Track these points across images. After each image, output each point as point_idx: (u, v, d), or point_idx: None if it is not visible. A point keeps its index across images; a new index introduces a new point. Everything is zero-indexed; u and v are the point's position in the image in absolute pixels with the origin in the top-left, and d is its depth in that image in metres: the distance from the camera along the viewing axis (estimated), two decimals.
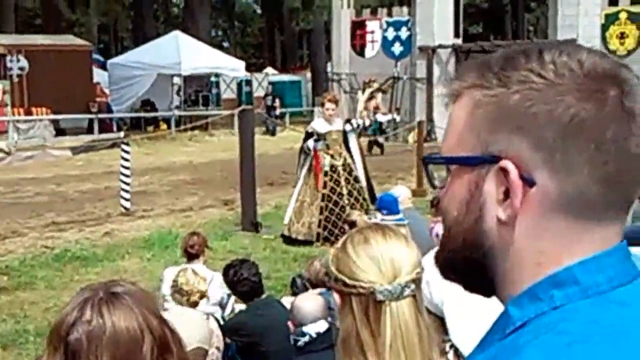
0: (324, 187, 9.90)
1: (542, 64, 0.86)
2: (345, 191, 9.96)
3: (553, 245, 0.87)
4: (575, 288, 0.84)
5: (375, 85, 20.42)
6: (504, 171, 0.86)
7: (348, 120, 10.53)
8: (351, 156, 10.18)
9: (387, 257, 1.74)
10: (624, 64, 0.88)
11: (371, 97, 17.86)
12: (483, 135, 0.87)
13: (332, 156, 9.96)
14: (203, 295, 4.84)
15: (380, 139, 20.07)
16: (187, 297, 4.71)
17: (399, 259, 1.75)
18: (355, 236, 1.81)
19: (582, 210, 0.85)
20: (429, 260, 2.29)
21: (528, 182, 0.85)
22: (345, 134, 10.12)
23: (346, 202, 9.91)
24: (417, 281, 1.75)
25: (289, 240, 9.97)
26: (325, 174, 9.90)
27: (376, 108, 17.59)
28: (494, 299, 0.94)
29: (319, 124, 10.06)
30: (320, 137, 9.88)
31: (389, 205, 6.17)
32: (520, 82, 0.86)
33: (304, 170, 10.16)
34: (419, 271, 1.76)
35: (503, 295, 0.91)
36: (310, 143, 9.87)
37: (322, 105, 10.12)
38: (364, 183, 10.29)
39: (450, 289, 1.89)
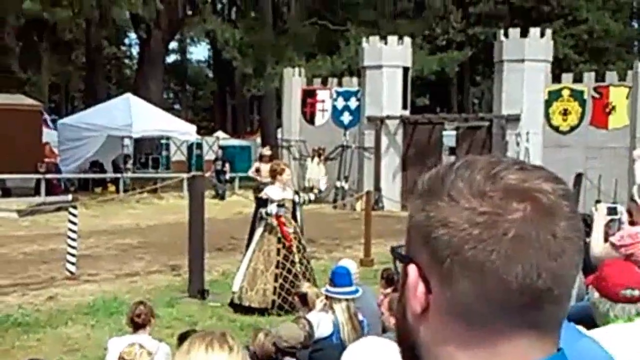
0: (277, 254, 9.93)
1: (458, 182, 0.91)
2: (297, 259, 10.01)
3: (462, 351, 0.91)
4: None
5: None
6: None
7: (297, 192, 10.64)
8: (298, 225, 10.29)
9: None
10: (549, 181, 0.90)
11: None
12: (409, 238, 0.96)
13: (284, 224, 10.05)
14: None
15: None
16: None
17: None
18: (184, 345, 1.94)
19: (475, 321, 0.89)
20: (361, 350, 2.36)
21: (428, 289, 0.92)
22: (294, 203, 10.24)
23: (298, 269, 9.95)
24: None
25: (239, 308, 9.87)
26: (279, 240, 9.92)
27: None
28: None
29: (273, 191, 10.05)
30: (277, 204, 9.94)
31: (343, 279, 6.30)
32: (434, 197, 0.92)
33: (257, 237, 10.10)
34: None
35: None
36: (273, 209, 9.81)
37: (280, 172, 10.02)
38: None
39: None
